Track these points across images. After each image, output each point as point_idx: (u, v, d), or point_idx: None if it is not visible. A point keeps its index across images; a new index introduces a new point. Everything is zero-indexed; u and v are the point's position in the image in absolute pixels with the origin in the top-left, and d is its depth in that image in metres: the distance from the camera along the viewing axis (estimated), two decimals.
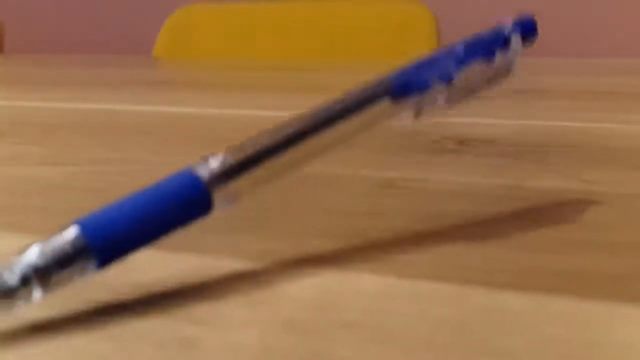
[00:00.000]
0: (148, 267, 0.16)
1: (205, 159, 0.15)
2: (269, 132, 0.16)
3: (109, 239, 0.13)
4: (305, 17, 1.11)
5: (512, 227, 0.18)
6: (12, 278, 0.12)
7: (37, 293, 0.13)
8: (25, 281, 0.12)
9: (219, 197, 0.15)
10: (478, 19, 1.68)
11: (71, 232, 0.13)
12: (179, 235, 0.18)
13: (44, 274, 0.13)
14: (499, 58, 0.19)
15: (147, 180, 0.24)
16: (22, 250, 0.13)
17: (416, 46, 1.03)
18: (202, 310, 0.13)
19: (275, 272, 0.15)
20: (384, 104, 0.17)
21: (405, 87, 0.17)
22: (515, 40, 0.19)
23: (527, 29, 0.20)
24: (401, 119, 0.17)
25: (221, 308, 0.14)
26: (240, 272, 0.15)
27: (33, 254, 0.13)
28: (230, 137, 0.32)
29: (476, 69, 0.19)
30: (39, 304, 0.14)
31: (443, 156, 0.28)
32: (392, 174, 0.24)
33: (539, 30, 1.64)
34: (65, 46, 2.06)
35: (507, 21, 0.20)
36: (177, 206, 0.14)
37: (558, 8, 1.63)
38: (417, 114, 0.18)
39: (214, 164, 0.15)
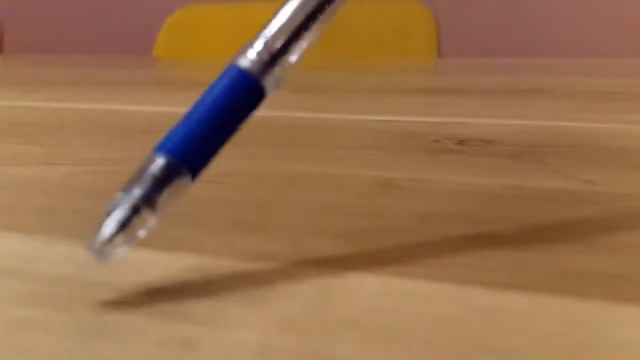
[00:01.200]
0: (148, 267, 0.16)
1: (244, 52, 0.16)
2: (292, 12, 0.16)
3: (192, 152, 0.15)
4: None
5: (512, 227, 0.18)
6: (122, 211, 0.14)
7: (151, 220, 0.14)
8: (136, 210, 0.14)
9: (268, 83, 0.15)
10: (478, 18, 1.68)
11: (158, 158, 0.14)
12: (179, 235, 0.18)
13: (149, 199, 0.14)
14: None
15: None
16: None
17: (416, 46, 1.03)
18: (202, 310, 0.13)
19: (275, 272, 0.15)
20: None
21: None
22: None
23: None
24: None
25: (221, 308, 0.14)
26: (240, 272, 0.15)
27: (133, 189, 0.14)
28: None
29: None
30: (39, 304, 0.14)
31: (443, 156, 0.28)
32: (392, 174, 0.24)
33: (539, 30, 1.64)
34: (65, 46, 2.06)
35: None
36: (236, 102, 0.15)
37: (558, 8, 1.63)
38: None
39: (253, 55, 0.15)
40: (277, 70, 0.15)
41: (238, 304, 0.14)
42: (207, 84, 0.59)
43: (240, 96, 0.15)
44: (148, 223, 0.14)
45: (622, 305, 0.13)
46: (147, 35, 1.90)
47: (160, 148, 0.15)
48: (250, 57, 0.15)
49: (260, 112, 0.40)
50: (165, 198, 0.14)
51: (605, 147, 0.29)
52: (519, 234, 0.18)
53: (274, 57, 0.15)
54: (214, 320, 0.13)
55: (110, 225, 0.14)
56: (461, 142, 0.30)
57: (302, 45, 0.16)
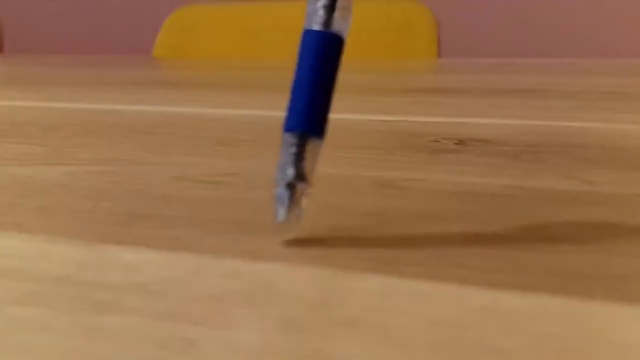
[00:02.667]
0: (148, 267, 0.16)
1: (308, 14, 0.17)
2: None
3: (312, 119, 0.17)
4: (304, 17, 1.11)
5: (512, 227, 0.18)
6: (282, 192, 0.16)
7: (305, 189, 0.17)
8: (292, 186, 0.16)
9: (339, 26, 0.17)
10: (478, 18, 1.68)
11: (289, 137, 0.17)
12: (179, 235, 0.18)
13: (298, 173, 0.17)
14: None
15: (147, 180, 0.24)
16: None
17: (417, 46, 1.03)
18: (202, 310, 0.13)
19: (275, 272, 0.15)
20: None
21: None
22: None
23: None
24: None
25: (221, 308, 0.14)
26: (240, 272, 0.15)
27: (284, 170, 0.17)
28: (230, 137, 0.32)
29: None
30: (39, 304, 0.14)
31: (443, 156, 0.28)
32: (392, 174, 0.24)
33: (539, 30, 1.65)
34: (65, 46, 2.06)
35: None
36: (325, 60, 0.17)
37: (558, 8, 1.63)
38: None
39: (316, 11, 0.17)
40: (340, 12, 0.17)
41: (238, 304, 0.14)
42: (207, 84, 0.59)
43: (325, 53, 0.17)
44: (305, 191, 0.17)
45: (623, 305, 0.13)
46: (147, 35, 1.90)
47: (288, 127, 0.17)
48: (313, 14, 0.17)
49: (260, 112, 0.40)
50: (308, 165, 0.17)
51: (605, 147, 0.29)
52: (518, 234, 0.18)
53: (331, 3, 0.17)
54: (214, 320, 0.13)
55: (280, 209, 0.17)
56: (461, 142, 0.30)
57: None
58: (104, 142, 0.31)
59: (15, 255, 0.17)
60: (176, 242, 0.17)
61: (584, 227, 0.18)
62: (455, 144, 0.30)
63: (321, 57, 0.17)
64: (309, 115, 0.17)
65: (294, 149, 0.17)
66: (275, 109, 0.42)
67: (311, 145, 0.17)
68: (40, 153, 0.29)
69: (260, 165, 0.26)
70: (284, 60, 0.91)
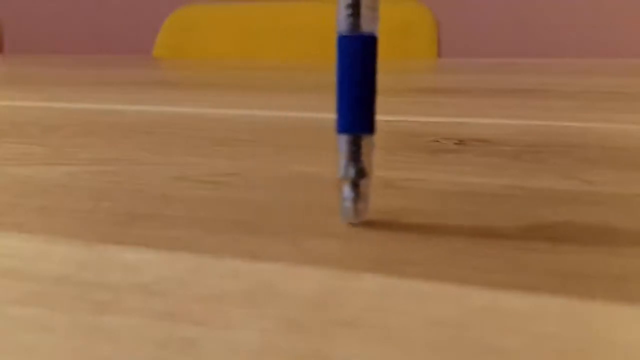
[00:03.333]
0: (148, 267, 0.16)
1: (338, 21, 0.18)
2: None
3: (361, 118, 0.18)
4: (305, 18, 1.11)
5: (512, 227, 0.18)
6: (348, 191, 0.18)
7: (368, 182, 0.18)
8: (356, 184, 0.18)
9: (368, 26, 0.18)
10: (478, 18, 1.68)
11: (343, 138, 0.18)
12: (179, 235, 0.18)
13: (358, 171, 0.18)
14: None
15: (147, 180, 0.24)
16: None
17: (417, 46, 1.03)
18: (202, 310, 0.13)
19: (275, 272, 0.15)
20: None
21: None
22: None
23: None
24: None
25: (221, 308, 0.14)
26: (240, 272, 0.15)
27: (346, 170, 0.18)
28: (230, 137, 0.32)
29: None
30: (39, 304, 0.14)
31: (443, 156, 0.28)
32: (392, 174, 0.24)
33: (539, 30, 1.65)
34: (65, 46, 2.06)
35: None
36: (361, 60, 0.18)
37: (558, 8, 1.63)
38: None
39: (343, 17, 0.18)
40: (365, 11, 0.18)
41: (238, 304, 0.14)
42: (207, 84, 0.59)
43: (360, 56, 0.18)
44: (368, 184, 0.18)
45: (622, 305, 0.13)
46: (147, 35, 1.90)
47: (342, 130, 0.18)
48: (342, 20, 0.18)
49: (260, 112, 0.40)
50: (366, 161, 0.18)
51: (605, 147, 0.29)
52: (518, 234, 0.18)
53: (356, 4, 0.18)
54: (214, 320, 0.13)
55: (349, 206, 0.18)
56: (461, 142, 0.30)
57: None
58: (104, 142, 0.31)
59: (15, 255, 0.17)
60: (176, 242, 0.17)
61: (584, 227, 0.18)
62: (455, 144, 0.30)
63: (357, 60, 0.18)
64: (358, 116, 0.18)
65: (351, 149, 0.18)
66: (275, 109, 0.42)
67: (365, 142, 0.18)
68: (40, 153, 0.29)
69: (260, 165, 0.26)
70: (284, 60, 0.91)
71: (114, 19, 2.03)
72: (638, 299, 0.14)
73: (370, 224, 0.19)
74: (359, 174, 0.18)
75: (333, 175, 0.24)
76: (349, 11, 0.18)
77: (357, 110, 0.18)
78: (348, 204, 0.18)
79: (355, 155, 0.18)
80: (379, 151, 0.29)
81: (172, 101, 0.47)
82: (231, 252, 0.17)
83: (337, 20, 0.19)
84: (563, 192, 0.22)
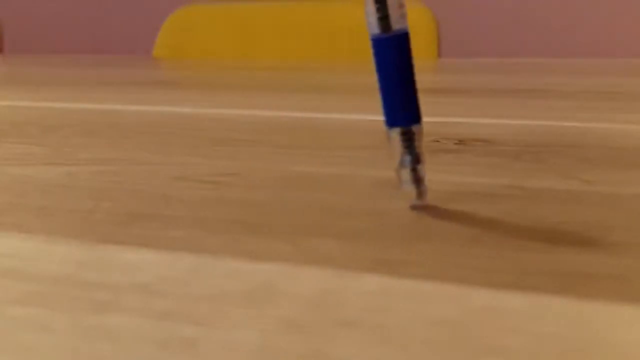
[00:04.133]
0: (148, 267, 0.16)
1: (369, 24, 0.20)
2: None
3: (407, 110, 0.20)
4: (305, 17, 1.11)
5: (512, 227, 0.18)
6: (407, 176, 0.20)
7: (424, 167, 0.20)
8: (414, 170, 0.20)
9: (398, 24, 0.20)
10: (478, 18, 1.68)
11: (394, 132, 0.20)
12: (179, 235, 0.18)
13: (414, 158, 0.20)
14: None
15: (147, 180, 0.24)
16: None
17: (416, 46, 1.03)
18: (202, 310, 0.13)
19: (275, 272, 0.15)
20: None
21: None
22: None
23: None
24: None
25: (221, 308, 0.14)
26: (240, 272, 0.15)
27: (402, 160, 0.20)
28: (230, 137, 0.32)
29: None
30: (39, 304, 0.14)
31: (443, 156, 0.28)
32: (392, 174, 0.24)
33: (539, 30, 1.65)
34: (65, 46, 2.06)
35: None
36: (397, 57, 0.20)
37: (558, 8, 1.63)
38: None
39: (374, 19, 0.19)
40: (393, 11, 0.19)
41: (238, 304, 0.14)
42: (207, 84, 0.59)
43: (395, 54, 0.19)
44: (424, 168, 0.20)
45: (622, 305, 0.13)
46: (147, 35, 1.90)
47: (392, 123, 0.20)
48: (372, 23, 0.19)
49: (260, 112, 0.40)
50: (419, 147, 0.20)
51: (605, 147, 0.29)
52: (518, 234, 0.18)
53: (383, 6, 0.19)
54: (214, 320, 0.13)
55: (410, 189, 0.20)
56: (461, 142, 0.30)
57: None
58: (104, 142, 0.31)
59: (15, 255, 0.17)
60: (176, 242, 0.17)
61: (584, 227, 0.18)
62: (455, 144, 0.30)
63: (394, 58, 0.20)
64: (405, 109, 0.20)
65: (404, 140, 0.20)
66: (275, 109, 0.42)
67: (414, 131, 0.20)
68: (40, 153, 0.29)
69: (260, 165, 0.26)
70: (284, 60, 0.91)
71: (114, 19, 2.02)
72: (638, 299, 0.14)
73: (370, 224, 0.19)
74: (415, 161, 0.20)
75: (333, 175, 0.24)
76: (379, 14, 0.19)
77: (403, 104, 0.20)
78: (410, 189, 0.20)
79: (409, 144, 0.20)
80: (378, 151, 0.29)
81: (172, 101, 0.47)
82: (231, 252, 0.17)
83: (367, 23, 0.20)
84: (563, 192, 0.22)
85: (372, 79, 0.64)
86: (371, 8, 0.19)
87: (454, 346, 0.12)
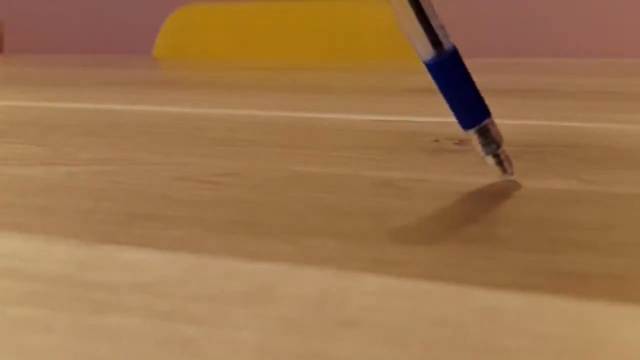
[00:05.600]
0: (148, 267, 0.16)
1: (419, 51, 0.21)
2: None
3: (476, 110, 0.22)
4: (305, 17, 1.11)
5: (512, 227, 0.18)
6: (494, 160, 0.22)
7: (503, 147, 0.22)
8: (497, 155, 0.22)
9: (446, 43, 0.21)
10: (478, 18, 1.68)
11: (472, 132, 0.22)
12: (179, 235, 0.18)
13: (496, 143, 0.22)
14: None
15: (147, 180, 0.24)
16: None
17: None
18: (202, 310, 0.13)
19: (275, 272, 0.15)
20: None
21: None
22: None
23: None
24: None
25: (221, 308, 0.14)
26: (240, 272, 0.15)
27: (486, 148, 0.22)
28: (230, 137, 0.32)
29: None
30: (39, 304, 0.14)
31: (443, 156, 0.28)
32: (392, 174, 0.24)
33: (539, 30, 1.65)
34: (65, 46, 2.06)
35: None
36: (457, 72, 0.22)
37: (558, 8, 1.63)
38: None
39: (424, 44, 0.21)
40: (439, 31, 0.21)
41: (238, 304, 0.14)
42: (207, 84, 0.59)
43: (454, 70, 0.22)
44: (504, 148, 0.22)
45: (622, 305, 0.13)
46: (147, 35, 1.90)
47: (469, 126, 0.22)
48: (423, 47, 0.21)
49: (260, 112, 0.40)
50: (495, 133, 0.22)
51: (605, 147, 0.29)
52: (519, 234, 0.18)
53: (430, 29, 0.21)
54: (214, 320, 0.13)
55: (497, 168, 0.22)
56: (461, 142, 0.30)
57: (428, 8, 0.21)
58: (104, 142, 0.31)
59: (15, 255, 0.17)
60: (176, 242, 0.17)
61: (584, 227, 0.18)
62: (455, 144, 0.30)
63: (453, 74, 0.22)
64: (474, 110, 0.22)
65: (481, 135, 0.22)
66: (275, 109, 0.42)
67: (489, 127, 0.22)
68: (40, 153, 0.29)
69: (260, 165, 0.26)
70: (284, 60, 0.91)
71: (114, 19, 2.02)
72: (638, 299, 0.14)
73: (370, 224, 0.19)
74: (496, 147, 0.22)
75: (333, 175, 0.24)
76: (431, 41, 0.21)
77: (471, 108, 0.22)
78: (497, 169, 0.23)
79: (486, 136, 0.22)
80: (378, 151, 0.29)
81: (172, 101, 0.47)
82: (231, 252, 0.17)
83: (415, 50, 0.21)
84: (563, 192, 0.22)
85: (371, 78, 0.64)
86: (420, 37, 0.21)
87: (454, 346, 0.12)
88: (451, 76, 0.22)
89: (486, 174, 0.24)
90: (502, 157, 0.22)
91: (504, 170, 0.23)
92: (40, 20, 2.11)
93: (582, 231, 0.18)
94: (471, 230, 0.18)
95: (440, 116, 0.38)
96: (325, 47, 1.07)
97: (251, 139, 0.32)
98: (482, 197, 0.22)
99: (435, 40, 0.21)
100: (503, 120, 0.36)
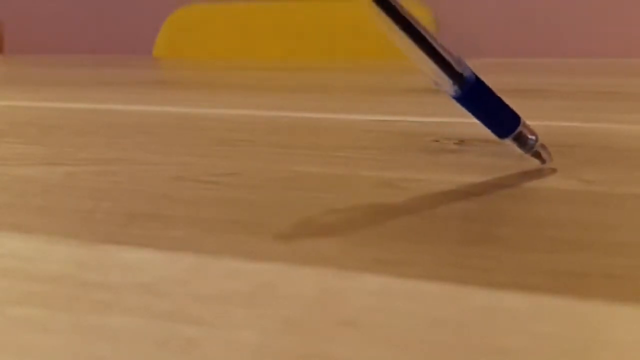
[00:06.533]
0: (148, 267, 0.16)
1: (444, 88, 0.23)
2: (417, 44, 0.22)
3: (510, 117, 0.24)
4: (305, 17, 1.11)
5: (512, 227, 0.18)
6: (532, 150, 0.24)
7: (539, 139, 0.24)
8: (532, 146, 0.24)
9: (467, 74, 0.23)
10: (478, 18, 1.68)
11: (509, 139, 0.24)
12: (179, 235, 0.18)
13: (532, 141, 0.24)
14: None
15: (147, 180, 0.24)
16: None
17: None
18: (202, 310, 0.13)
19: (275, 272, 0.15)
20: None
21: None
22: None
23: None
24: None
25: (221, 308, 0.14)
26: (240, 272, 0.15)
27: (527, 141, 0.24)
28: (230, 137, 0.32)
29: None
30: (39, 304, 0.14)
31: (443, 156, 0.28)
32: (392, 174, 0.24)
33: (539, 30, 1.64)
34: (65, 46, 2.06)
35: None
36: (484, 91, 0.23)
37: (558, 8, 1.63)
38: None
39: (445, 80, 0.22)
40: (455, 65, 0.22)
41: (238, 304, 0.14)
42: (207, 84, 0.59)
43: (479, 95, 0.23)
44: (540, 140, 0.24)
45: (622, 305, 0.13)
46: (147, 35, 1.90)
47: (506, 134, 0.24)
48: (445, 84, 0.22)
49: (260, 112, 0.40)
50: (528, 131, 0.24)
51: (605, 147, 0.29)
52: (518, 234, 0.18)
53: (447, 67, 0.22)
54: (214, 320, 0.13)
55: (537, 160, 0.25)
56: (461, 142, 0.30)
57: (438, 47, 0.22)
58: (104, 142, 0.31)
59: (15, 255, 0.17)
60: (176, 242, 0.17)
61: (584, 227, 0.18)
62: (455, 144, 0.30)
63: (480, 97, 0.23)
64: (506, 120, 0.24)
65: (517, 139, 0.24)
66: (275, 109, 0.42)
67: (521, 129, 0.24)
68: (40, 153, 0.29)
69: (260, 165, 0.26)
70: (284, 60, 0.91)
71: (114, 19, 2.02)
72: (638, 299, 0.14)
73: (370, 224, 0.19)
74: (532, 146, 0.24)
75: (333, 175, 0.24)
76: (449, 79, 0.22)
77: (503, 119, 0.24)
78: (539, 161, 0.25)
79: (522, 139, 0.24)
80: (378, 151, 0.29)
81: (172, 101, 0.47)
82: (231, 252, 0.17)
83: (439, 85, 0.23)
84: (563, 192, 0.22)
85: (371, 78, 0.64)
86: (440, 77, 0.22)
87: (453, 346, 0.12)
88: (478, 102, 0.23)
89: (486, 174, 0.24)
90: (539, 152, 0.24)
91: (543, 161, 0.25)
92: (40, 20, 2.11)
93: (582, 231, 0.18)
94: (471, 230, 0.18)
95: (440, 116, 0.38)
96: (325, 47, 1.07)
97: (251, 139, 0.32)
98: (482, 197, 0.22)
99: (454, 75, 0.22)
100: None
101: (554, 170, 0.25)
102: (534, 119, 0.37)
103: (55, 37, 2.09)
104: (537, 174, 0.24)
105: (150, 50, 1.17)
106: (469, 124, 0.35)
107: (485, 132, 0.33)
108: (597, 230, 0.18)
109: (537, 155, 0.24)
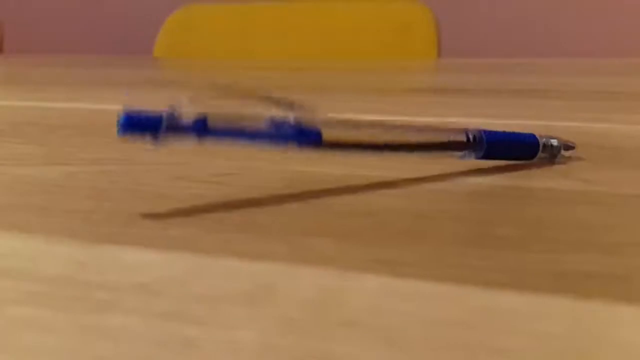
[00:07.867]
0: (148, 267, 0.16)
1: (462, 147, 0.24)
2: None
3: (529, 140, 0.26)
4: (305, 17, 1.11)
5: (512, 227, 0.18)
6: (558, 149, 0.26)
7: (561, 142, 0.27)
8: (555, 148, 0.26)
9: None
10: (478, 18, 1.68)
11: (538, 157, 0.26)
12: (179, 235, 0.18)
13: (553, 151, 0.26)
14: None
15: (147, 180, 0.24)
16: None
17: (416, 46, 1.03)
18: (202, 310, 0.13)
19: (275, 272, 0.15)
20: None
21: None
22: None
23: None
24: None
25: (221, 308, 0.14)
26: (240, 272, 0.15)
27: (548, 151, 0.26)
28: None
29: None
30: (39, 304, 0.14)
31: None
32: (393, 174, 0.24)
33: (539, 30, 1.64)
34: (65, 46, 2.06)
35: None
36: (496, 140, 0.25)
37: (558, 8, 1.63)
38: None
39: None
40: (457, 136, 0.23)
41: (238, 304, 0.14)
42: (207, 84, 0.59)
43: (492, 146, 0.24)
44: (558, 141, 0.26)
45: (622, 305, 0.13)
46: (147, 35, 1.90)
47: (531, 155, 0.26)
48: (464, 156, 0.24)
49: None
50: (555, 139, 0.26)
51: (605, 147, 0.29)
52: (518, 234, 0.18)
53: (452, 145, 0.23)
54: (214, 320, 0.13)
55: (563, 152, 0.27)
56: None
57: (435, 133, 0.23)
58: (104, 142, 0.31)
59: (15, 255, 0.17)
60: (176, 242, 0.17)
61: (584, 227, 0.18)
62: None
63: (497, 146, 0.24)
64: (528, 145, 0.25)
65: (545, 150, 0.26)
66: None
67: (543, 142, 0.26)
68: (40, 153, 0.29)
69: (260, 165, 0.26)
70: (284, 61, 0.91)
71: (114, 19, 2.02)
72: (638, 299, 0.14)
73: (370, 224, 0.19)
74: (553, 156, 0.26)
75: (333, 175, 0.24)
76: (461, 151, 0.23)
77: (523, 148, 0.25)
78: (570, 152, 0.27)
79: (549, 150, 0.26)
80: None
81: (172, 101, 0.46)
82: (231, 252, 0.17)
83: (463, 157, 0.24)
84: (563, 192, 0.22)
85: (371, 78, 0.64)
86: (456, 153, 0.24)
87: (453, 346, 0.12)
88: (497, 149, 0.24)
89: (486, 174, 0.24)
90: (562, 146, 0.26)
91: (570, 148, 0.27)
92: (40, 20, 2.11)
93: (582, 231, 0.18)
94: (470, 230, 0.18)
95: (440, 116, 0.38)
96: (325, 47, 1.07)
97: None
98: (481, 197, 0.22)
99: (463, 145, 0.23)
100: (503, 120, 0.36)
101: (554, 171, 0.25)
102: (534, 119, 0.37)
103: (55, 37, 2.09)
104: (537, 173, 0.24)
105: (150, 50, 1.17)
106: (469, 124, 0.35)
107: None
108: (598, 230, 0.18)
109: (567, 147, 0.26)
